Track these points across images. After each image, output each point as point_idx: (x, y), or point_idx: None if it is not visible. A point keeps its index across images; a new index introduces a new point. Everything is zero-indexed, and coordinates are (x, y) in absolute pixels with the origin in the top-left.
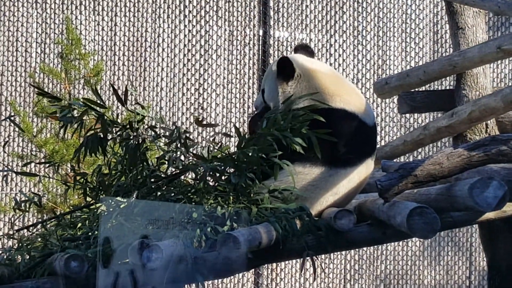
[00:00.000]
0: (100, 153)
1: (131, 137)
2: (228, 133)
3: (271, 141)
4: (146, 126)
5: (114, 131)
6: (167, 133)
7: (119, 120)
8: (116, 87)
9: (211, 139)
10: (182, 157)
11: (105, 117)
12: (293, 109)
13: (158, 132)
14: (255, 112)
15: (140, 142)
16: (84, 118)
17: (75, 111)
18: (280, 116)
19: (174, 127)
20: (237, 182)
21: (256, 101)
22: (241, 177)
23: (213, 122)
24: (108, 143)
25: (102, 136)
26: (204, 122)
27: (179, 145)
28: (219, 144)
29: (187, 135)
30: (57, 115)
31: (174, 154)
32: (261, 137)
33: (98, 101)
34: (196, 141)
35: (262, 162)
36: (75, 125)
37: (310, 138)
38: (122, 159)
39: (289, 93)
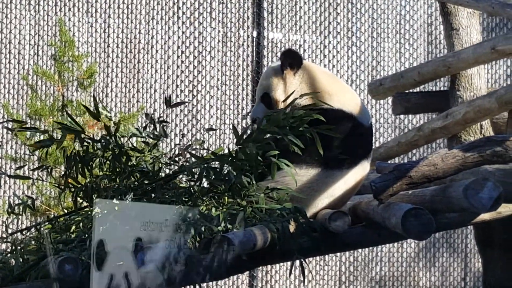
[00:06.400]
0: (87, 172)
1: (111, 147)
2: (222, 134)
3: (270, 139)
4: (126, 135)
5: (95, 147)
6: (146, 135)
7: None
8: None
9: (201, 141)
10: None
11: (83, 137)
12: (293, 107)
13: (140, 136)
14: (252, 124)
15: (121, 150)
16: (63, 142)
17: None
18: (280, 114)
19: (147, 116)
20: (234, 181)
21: (256, 111)
22: (238, 176)
23: (206, 124)
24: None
25: (83, 155)
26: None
27: (160, 137)
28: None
29: (162, 118)
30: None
31: (168, 156)
32: (260, 134)
33: (74, 126)
34: (188, 141)
35: (260, 161)
36: (56, 148)
37: (308, 137)
38: (109, 166)
39: (294, 86)
